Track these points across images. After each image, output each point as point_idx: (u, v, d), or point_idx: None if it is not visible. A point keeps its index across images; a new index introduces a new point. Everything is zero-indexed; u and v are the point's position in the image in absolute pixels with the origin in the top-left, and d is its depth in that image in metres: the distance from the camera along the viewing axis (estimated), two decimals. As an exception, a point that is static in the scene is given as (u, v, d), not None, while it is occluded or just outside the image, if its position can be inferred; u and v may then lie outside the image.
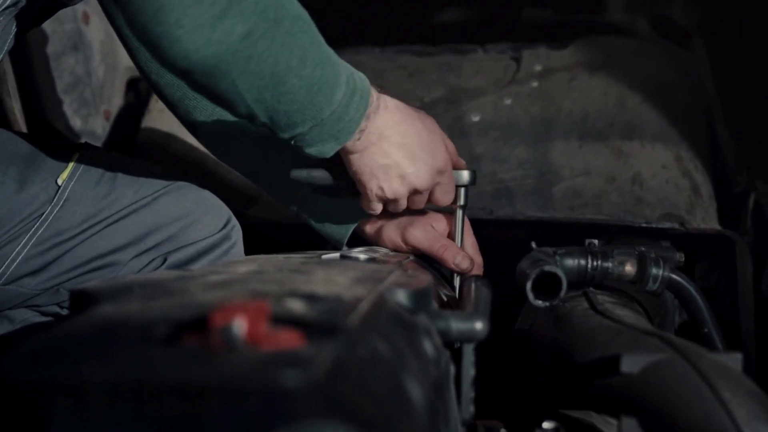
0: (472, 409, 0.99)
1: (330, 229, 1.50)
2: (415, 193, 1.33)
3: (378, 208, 1.35)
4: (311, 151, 1.22)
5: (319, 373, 0.57)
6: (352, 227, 1.48)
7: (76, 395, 0.57)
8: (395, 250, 1.46)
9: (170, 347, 0.62)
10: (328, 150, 1.22)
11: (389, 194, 1.31)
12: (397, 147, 1.28)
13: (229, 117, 1.50)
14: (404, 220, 1.45)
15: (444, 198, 1.38)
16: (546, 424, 1.04)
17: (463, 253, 1.43)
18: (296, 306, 0.73)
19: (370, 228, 1.49)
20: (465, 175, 1.42)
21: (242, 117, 1.18)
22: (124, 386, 0.57)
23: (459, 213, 1.45)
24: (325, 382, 0.57)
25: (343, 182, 1.35)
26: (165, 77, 1.47)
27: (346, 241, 1.50)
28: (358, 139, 1.24)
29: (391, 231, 1.45)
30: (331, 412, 0.55)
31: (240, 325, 0.61)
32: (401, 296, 0.88)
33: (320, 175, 1.37)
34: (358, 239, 1.51)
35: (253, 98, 1.13)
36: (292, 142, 1.21)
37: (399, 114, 1.29)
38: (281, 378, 0.56)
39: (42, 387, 0.58)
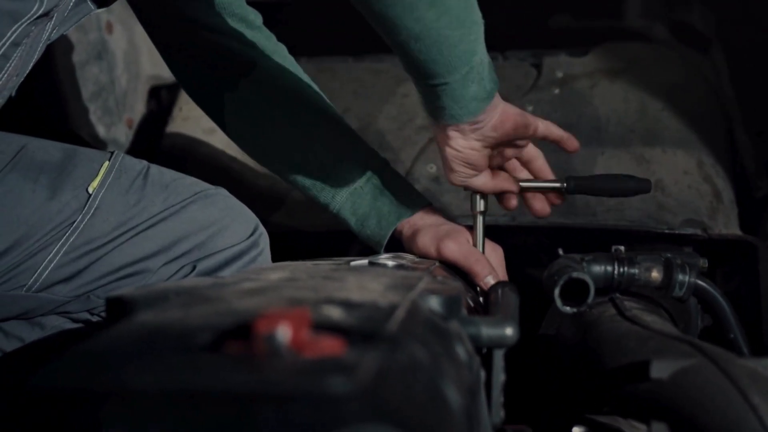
0: (502, 413, 0.99)
1: (369, 231, 1.51)
2: None
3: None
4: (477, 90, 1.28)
5: (364, 379, 0.58)
6: (390, 230, 1.50)
7: (124, 403, 0.58)
8: (425, 257, 1.47)
9: (215, 354, 0.63)
10: (488, 93, 1.30)
11: None
12: None
13: (267, 121, 1.52)
14: (442, 231, 1.48)
15: None
16: (576, 429, 1.04)
17: (495, 273, 1.46)
18: (335, 313, 0.74)
19: (407, 232, 1.51)
20: None
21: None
22: (172, 393, 0.58)
23: (479, 219, 1.49)
24: (370, 388, 0.58)
25: None
26: (206, 87, 1.49)
27: (384, 244, 1.51)
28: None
29: (427, 239, 1.47)
30: (377, 418, 0.56)
31: (284, 332, 0.62)
32: (434, 303, 0.89)
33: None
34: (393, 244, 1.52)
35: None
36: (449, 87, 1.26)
37: None
38: (328, 384, 0.57)
39: (88, 395, 0.59)
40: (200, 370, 0.60)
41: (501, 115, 1.36)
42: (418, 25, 1.16)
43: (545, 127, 1.46)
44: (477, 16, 1.23)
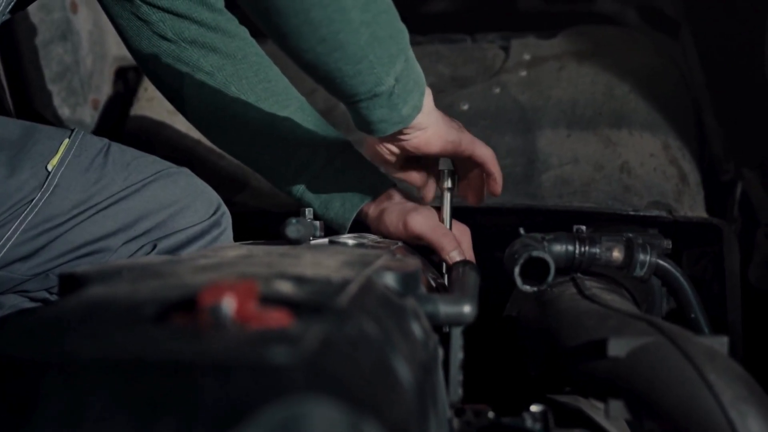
0: (460, 392, 0.99)
1: (333, 213, 1.51)
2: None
3: None
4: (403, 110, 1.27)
5: (306, 349, 0.58)
6: (354, 213, 1.50)
7: (66, 372, 0.57)
8: (394, 236, 1.47)
9: (160, 326, 0.63)
10: (402, 117, 1.28)
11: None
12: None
13: (228, 105, 1.51)
14: (408, 206, 1.48)
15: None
16: (533, 408, 1.04)
17: (461, 249, 1.45)
18: (285, 287, 0.74)
19: (372, 213, 1.50)
20: (450, 161, 1.47)
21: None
22: (114, 363, 0.57)
23: (447, 196, 1.48)
24: (312, 359, 0.58)
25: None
26: (165, 71, 1.48)
27: (348, 227, 1.51)
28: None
29: (393, 216, 1.47)
30: (318, 388, 0.55)
31: (229, 304, 0.61)
32: (389, 279, 0.89)
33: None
34: (359, 226, 1.52)
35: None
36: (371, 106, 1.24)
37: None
38: (269, 354, 0.56)
39: (31, 364, 0.58)
40: (143, 341, 0.60)
41: (429, 137, 1.36)
42: (308, 56, 1.14)
43: (482, 154, 1.45)
44: (381, 50, 1.17)
